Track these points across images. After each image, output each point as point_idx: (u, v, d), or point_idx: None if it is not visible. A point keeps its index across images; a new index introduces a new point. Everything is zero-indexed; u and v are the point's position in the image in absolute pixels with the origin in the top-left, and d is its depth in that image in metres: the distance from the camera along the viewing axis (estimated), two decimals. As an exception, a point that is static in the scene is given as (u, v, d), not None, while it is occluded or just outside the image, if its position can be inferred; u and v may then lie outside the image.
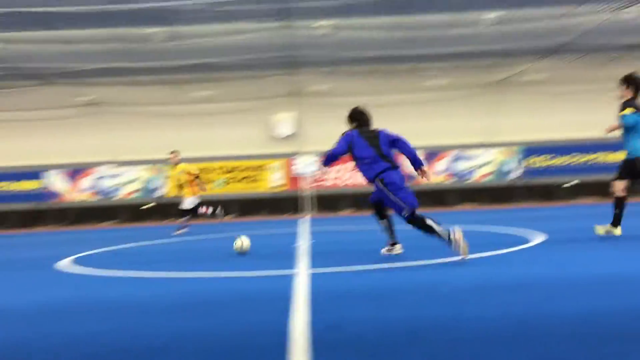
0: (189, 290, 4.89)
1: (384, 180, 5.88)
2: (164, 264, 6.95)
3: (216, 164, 18.28)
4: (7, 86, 14.94)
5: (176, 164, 12.32)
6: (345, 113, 6.53)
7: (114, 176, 18.16)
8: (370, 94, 15.99)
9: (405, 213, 5.73)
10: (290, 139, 18.80)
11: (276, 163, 18.50)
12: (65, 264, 7.27)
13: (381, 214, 6.29)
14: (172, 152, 12.39)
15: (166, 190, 18.08)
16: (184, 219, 12.15)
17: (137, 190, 18.17)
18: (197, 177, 12.34)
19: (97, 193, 18.06)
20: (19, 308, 4.62)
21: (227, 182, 18.41)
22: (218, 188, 18.06)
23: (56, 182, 17.91)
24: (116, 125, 18.00)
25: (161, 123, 17.95)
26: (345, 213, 18.07)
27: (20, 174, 17.84)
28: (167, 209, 17.93)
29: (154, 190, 18.17)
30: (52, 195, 17.86)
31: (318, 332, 3.10)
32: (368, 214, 7.44)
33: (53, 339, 3.48)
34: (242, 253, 7.21)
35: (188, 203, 12.22)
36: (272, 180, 18.52)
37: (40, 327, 3.83)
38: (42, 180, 17.87)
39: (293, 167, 18.35)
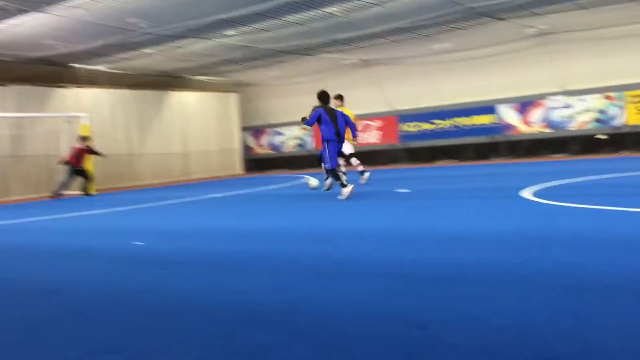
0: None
1: (328, 144, 9.42)
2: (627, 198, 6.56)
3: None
4: (462, 26, 16.04)
5: None
6: None
7: (565, 107, 17.75)
8: None
9: (327, 167, 9.56)
10: None
11: None
12: (527, 194, 7.58)
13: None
14: None
15: (623, 119, 16.73)
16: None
17: (590, 121, 17.37)
18: None
19: (548, 125, 18.02)
20: (488, 233, 5.07)
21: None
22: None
23: (508, 115, 18.59)
24: (565, 54, 17.42)
25: (616, 47, 16.52)
26: None
27: (476, 109, 19.16)
28: (623, 140, 16.62)
29: (610, 119, 17.05)
30: (505, 128, 18.64)
31: None
32: None
33: (539, 264, 3.73)
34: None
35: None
36: None
37: (520, 253, 4.14)
38: (495, 115, 18.80)
39: None
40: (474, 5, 13.55)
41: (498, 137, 18.79)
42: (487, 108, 18.93)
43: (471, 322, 2.74)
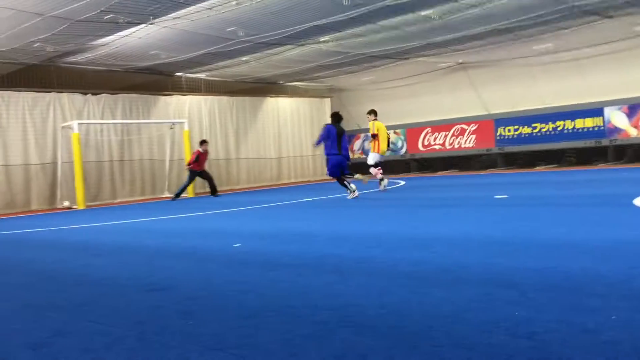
0: None
1: (329, 158, 11.71)
2: None
3: None
4: (566, 26, 15.34)
5: None
6: None
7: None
8: None
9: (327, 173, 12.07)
10: None
11: None
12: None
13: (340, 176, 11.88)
14: None
15: None
16: None
17: None
18: None
19: (659, 128, 16.84)
20: (596, 242, 4.78)
21: None
22: None
23: (615, 118, 17.55)
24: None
25: None
26: None
27: (580, 111, 18.23)
28: None
29: None
30: (612, 131, 17.60)
31: None
32: None
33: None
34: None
35: None
36: None
37: (636, 264, 3.88)
38: (601, 118, 17.80)
39: None
40: (579, 3, 12.92)
41: (604, 142, 17.77)
42: (592, 111, 17.95)
43: (581, 335, 2.59)
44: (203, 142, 16.52)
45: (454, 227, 6.58)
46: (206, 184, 16.71)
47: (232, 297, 3.87)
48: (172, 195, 16.56)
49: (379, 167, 13.32)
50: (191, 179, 16.42)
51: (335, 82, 22.77)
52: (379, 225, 7.38)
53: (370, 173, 13.31)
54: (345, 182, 11.78)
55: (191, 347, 2.85)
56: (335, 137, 11.52)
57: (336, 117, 12.03)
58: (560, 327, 2.71)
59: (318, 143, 12.07)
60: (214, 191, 16.42)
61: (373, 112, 13.53)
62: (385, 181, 13.28)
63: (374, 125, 13.21)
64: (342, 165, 11.72)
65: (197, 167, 16.28)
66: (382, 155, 13.35)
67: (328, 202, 11.89)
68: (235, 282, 4.37)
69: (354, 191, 11.62)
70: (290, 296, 3.77)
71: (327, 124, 11.97)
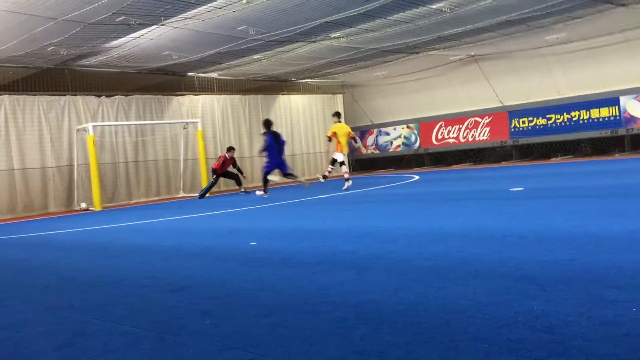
0: None
1: (269, 160, 13.63)
2: None
3: None
4: (579, 15, 15.18)
5: None
6: None
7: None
8: None
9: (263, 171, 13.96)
10: None
11: None
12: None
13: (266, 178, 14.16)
14: None
15: None
16: None
17: None
18: None
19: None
20: (619, 234, 4.74)
21: None
22: None
23: (632, 107, 17.34)
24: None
25: None
26: None
27: (595, 101, 18.04)
28: None
29: None
30: (628, 120, 17.41)
31: None
32: None
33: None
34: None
35: None
36: None
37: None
38: (616, 107, 17.60)
39: None
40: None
41: (620, 131, 17.58)
42: (608, 100, 17.76)
43: (601, 328, 2.57)
44: (230, 149, 16.71)
45: (470, 221, 6.56)
46: (232, 182, 17.08)
47: (249, 296, 3.90)
48: (189, 194, 16.69)
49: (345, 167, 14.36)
50: (215, 180, 16.63)
51: (347, 78, 22.74)
52: (394, 220, 7.37)
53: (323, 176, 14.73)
54: (267, 182, 14.14)
55: (210, 347, 2.87)
56: (274, 143, 13.56)
57: (267, 123, 13.90)
58: (579, 320, 2.70)
59: (264, 151, 13.78)
60: (241, 187, 16.72)
61: (337, 115, 14.78)
62: (350, 182, 13.87)
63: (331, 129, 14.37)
64: (280, 166, 13.84)
65: (221, 170, 16.48)
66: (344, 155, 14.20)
67: (342, 198, 11.89)
68: (252, 280, 4.39)
69: (266, 192, 14.09)
70: (308, 294, 3.78)
71: (267, 133, 13.68)
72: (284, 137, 21.68)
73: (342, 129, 14.02)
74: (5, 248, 8.61)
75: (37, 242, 9.00)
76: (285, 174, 14.04)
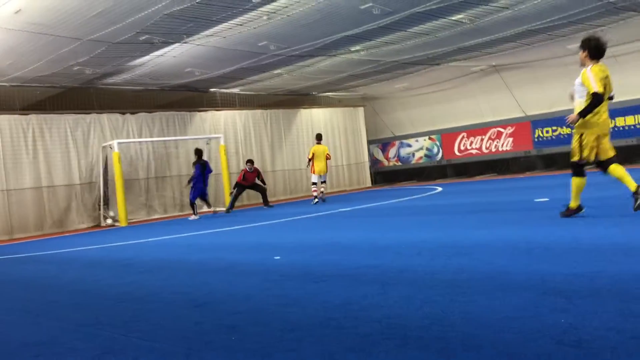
0: None
1: (195, 187, 15.36)
2: None
3: None
4: (601, 23, 15.04)
5: None
6: None
7: None
8: None
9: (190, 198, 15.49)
10: None
11: None
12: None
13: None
14: None
15: None
16: None
17: None
18: None
19: None
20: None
21: None
22: None
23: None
24: None
25: None
26: None
27: (620, 109, 17.75)
28: None
29: None
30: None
31: None
32: None
33: None
34: None
35: None
36: None
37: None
38: (642, 114, 17.33)
39: None
40: (614, -1, 12.67)
41: (646, 139, 17.29)
42: (633, 108, 17.51)
43: (631, 342, 2.53)
44: (248, 162, 16.77)
45: (495, 232, 6.50)
46: (259, 195, 17.07)
47: (274, 311, 3.91)
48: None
49: (316, 186, 15.96)
50: (239, 192, 16.65)
51: (368, 91, 22.77)
52: (417, 233, 7.33)
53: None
54: (195, 206, 15.47)
55: (237, 362, 2.89)
56: (200, 173, 15.34)
57: (198, 152, 15.63)
58: (608, 334, 2.66)
59: (191, 180, 15.49)
60: (265, 202, 16.75)
61: (319, 137, 16.42)
62: (316, 200, 15.74)
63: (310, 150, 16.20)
64: (202, 193, 15.55)
65: (245, 183, 16.55)
66: (320, 176, 15.92)
67: (364, 211, 11.87)
68: (276, 295, 4.41)
69: (196, 214, 15.36)
70: (332, 308, 3.78)
71: (196, 164, 15.45)
72: (307, 151, 22.01)
73: (319, 150, 15.93)
74: (35, 265, 8.75)
75: (65, 258, 9.13)
76: (204, 200, 15.84)
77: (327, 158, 16.02)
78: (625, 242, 4.95)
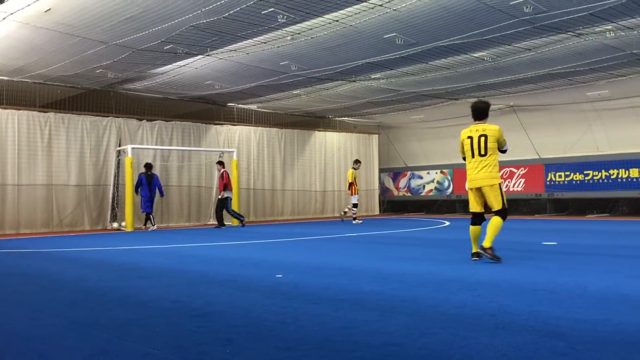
0: None
1: (143, 199, 15.75)
2: None
3: None
4: (622, 73, 15.07)
5: None
6: None
7: None
8: None
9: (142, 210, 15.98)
10: None
11: None
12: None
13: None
14: None
15: None
16: None
17: None
18: None
19: None
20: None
21: None
22: None
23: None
24: None
25: None
26: None
27: (635, 160, 17.71)
28: None
29: None
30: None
31: None
32: None
33: None
34: None
35: None
36: None
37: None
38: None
39: None
40: (637, 51, 12.70)
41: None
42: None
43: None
44: (219, 163, 16.74)
45: (500, 271, 6.44)
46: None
47: (271, 328, 3.88)
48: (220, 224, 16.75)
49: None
50: (221, 205, 16.53)
51: (384, 119, 22.85)
52: (422, 264, 7.29)
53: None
54: (150, 217, 15.94)
55: (230, 375, 2.86)
56: (146, 184, 15.72)
57: (147, 166, 16.12)
58: (610, 383, 2.61)
59: (136, 188, 15.81)
60: (219, 220, 16.45)
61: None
62: (359, 220, 17.48)
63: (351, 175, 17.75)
64: (151, 202, 15.81)
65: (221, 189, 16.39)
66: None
67: (372, 238, 11.83)
68: (275, 312, 4.38)
69: (154, 225, 15.82)
70: (331, 330, 3.75)
71: (140, 174, 15.90)
72: (318, 173, 22.02)
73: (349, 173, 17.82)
74: (38, 261, 8.77)
75: (69, 257, 9.15)
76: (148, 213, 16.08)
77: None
78: (631, 294, 4.89)
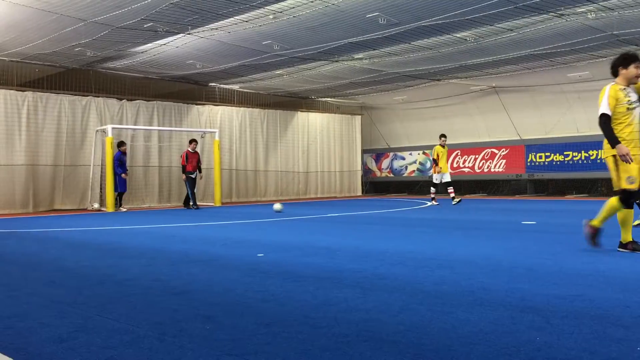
0: None
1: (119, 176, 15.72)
2: None
3: None
4: (603, 54, 15.18)
5: None
6: None
7: None
8: None
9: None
10: None
11: None
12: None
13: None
14: None
15: None
16: None
17: None
18: None
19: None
20: (626, 274, 4.68)
21: None
22: None
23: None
24: None
25: None
26: None
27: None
28: None
29: None
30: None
31: None
32: None
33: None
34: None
35: None
36: None
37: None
38: None
39: None
40: (618, 32, 12.78)
41: None
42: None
43: (607, 365, 2.54)
44: (192, 141, 16.35)
45: (480, 249, 6.51)
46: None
47: (251, 305, 3.89)
48: (202, 203, 16.70)
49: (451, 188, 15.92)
50: (192, 184, 16.32)
51: (366, 100, 22.83)
52: (403, 243, 7.34)
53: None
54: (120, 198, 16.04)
55: (208, 351, 2.87)
56: (125, 161, 15.85)
57: (120, 144, 15.95)
58: (582, 356, 2.66)
59: (124, 167, 15.85)
60: (193, 202, 16.19)
61: (444, 136, 16.01)
62: (457, 199, 16.00)
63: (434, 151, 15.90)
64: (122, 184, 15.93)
65: (189, 167, 16.13)
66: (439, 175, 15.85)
67: (353, 218, 11.88)
68: (255, 290, 4.39)
69: (121, 206, 15.99)
70: (310, 307, 3.77)
71: (117, 153, 15.78)
72: (300, 154, 22.00)
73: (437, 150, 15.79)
74: (17, 241, 8.68)
75: (48, 237, 9.07)
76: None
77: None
78: (607, 271, 4.98)
